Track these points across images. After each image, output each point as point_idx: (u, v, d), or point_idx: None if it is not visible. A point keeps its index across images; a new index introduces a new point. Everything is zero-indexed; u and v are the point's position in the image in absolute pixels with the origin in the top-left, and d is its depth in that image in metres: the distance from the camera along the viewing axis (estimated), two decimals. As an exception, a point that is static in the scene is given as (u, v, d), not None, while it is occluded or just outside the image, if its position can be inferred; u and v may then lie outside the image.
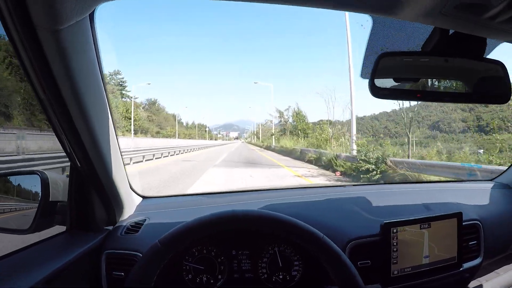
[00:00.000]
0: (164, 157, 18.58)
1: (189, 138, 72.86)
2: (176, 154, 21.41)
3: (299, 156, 17.33)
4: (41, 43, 0.61)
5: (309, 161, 14.38)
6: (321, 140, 18.68)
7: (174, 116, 72.49)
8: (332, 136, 18.29)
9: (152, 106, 68.85)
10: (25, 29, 0.59)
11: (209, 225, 0.75)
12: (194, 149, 30.09)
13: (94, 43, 0.74)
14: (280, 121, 37.22)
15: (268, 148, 34.10)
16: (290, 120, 34.36)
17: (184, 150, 24.69)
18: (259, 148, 39.90)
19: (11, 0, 0.54)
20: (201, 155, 22.20)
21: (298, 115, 32.18)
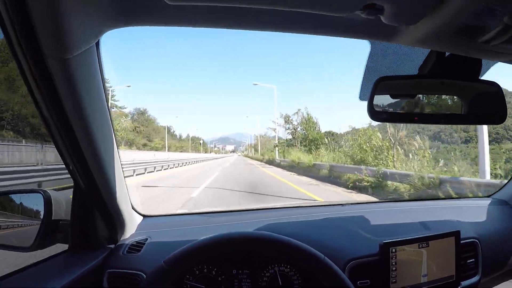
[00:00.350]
0: (148, 172, 16.00)
1: (181, 151, 69.78)
2: (163, 169, 18.72)
3: (328, 176, 11.82)
4: (49, 71, 0.63)
5: (357, 188, 8.76)
6: (369, 150, 11.73)
7: (165, 128, 69.83)
8: (394, 144, 11.15)
9: (140, 116, 65.24)
10: (34, 58, 0.61)
11: (212, 247, 0.76)
12: (182, 163, 25.58)
13: (100, 68, 0.76)
14: (289, 127, 30.84)
15: (270, 162, 28.04)
16: (299, 128, 28.58)
17: (169, 165, 21.09)
18: (259, 162, 33.90)
19: (21, 31, 0.56)
20: (186, 172, 17.65)
21: (309, 122, 26.79)
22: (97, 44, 0.72)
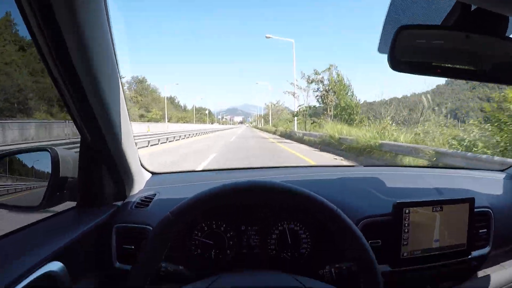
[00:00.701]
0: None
1: (184, 122, 62.03)
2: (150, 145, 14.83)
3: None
4: (53, 11, 0.60)
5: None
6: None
7: (165, 98, 65.22)
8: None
9: (139, 84, 61.04)
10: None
11: (222, 196, 0.74)
12: (175, 138, 20.57)
13: (106, 15, 0.73)
14: (318, 89, 21.74)
15: (288, 136, 21.83)
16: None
17: (150, 141, 15.47)
18: (272, 135, 27.86)
19: None
20: (173, 151, 12.94)
21: (339, 85, 20.27)
22: None
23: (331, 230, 0.73)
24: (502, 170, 1.57)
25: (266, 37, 29.57)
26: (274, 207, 1.01)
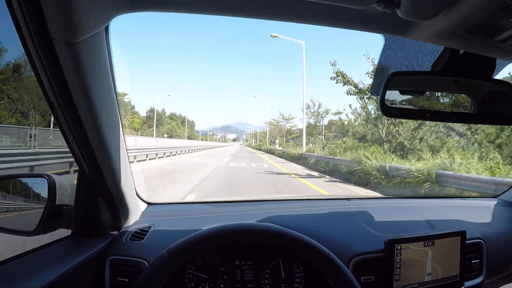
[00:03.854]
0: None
1: (169, 137, 52.70)
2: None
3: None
4: (57, 55, 0.62)
5: None
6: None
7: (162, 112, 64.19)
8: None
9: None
10: (41, 41, 0.59)
11: (216, 238, 0.76)
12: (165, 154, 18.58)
13: (108, 55, 0.75)
14: (363, 97, 13.84)
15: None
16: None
17: None
18: (280, 161, 19.23)
19: (28, 12, 0.55)
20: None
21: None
22: (106, 29, 0.70)
23: (323, 272, 0.74)
24: (494, 197, 1.58)
25: (271, 36, 23.56)
26: (269, 244, 1.01)
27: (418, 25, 0.63)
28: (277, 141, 34.81)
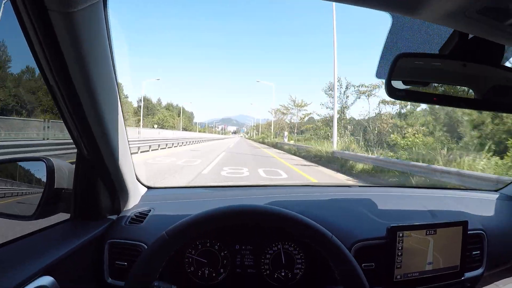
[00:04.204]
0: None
1: (160, 127, 47.96)
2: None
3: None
4: (52, 26, 0.60)
5: None
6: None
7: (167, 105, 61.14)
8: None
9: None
10: (36, 11, 0.57)
11: (217, 219, 0.74)
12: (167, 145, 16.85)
13: (106, 29, 0.73)
14: None
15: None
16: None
17: None
18: (302, 163, 12.15)
19: None
20: None
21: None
22: (105, 2, 0.68)
23: (325, 255, 0.73)
24: (495, 190, 1.57)
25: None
26: (269, 228, 1.01)
27: (428, 4, 0.61)
28: (285, 133, 27.63)
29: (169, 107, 69.03)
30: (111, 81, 0.81)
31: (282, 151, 19.27)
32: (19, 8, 0.58)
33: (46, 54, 0.65)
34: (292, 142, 22.96)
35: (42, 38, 0.62)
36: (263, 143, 33.70)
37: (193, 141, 27.78)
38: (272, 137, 33.18)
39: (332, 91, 16.74)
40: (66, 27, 0.61)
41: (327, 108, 21.52)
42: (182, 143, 22.41)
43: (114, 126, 0.88)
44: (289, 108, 30.14)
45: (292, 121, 31.05)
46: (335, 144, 14.14)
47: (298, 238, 0.99)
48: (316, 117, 23.92)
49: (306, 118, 29.24)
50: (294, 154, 16.72)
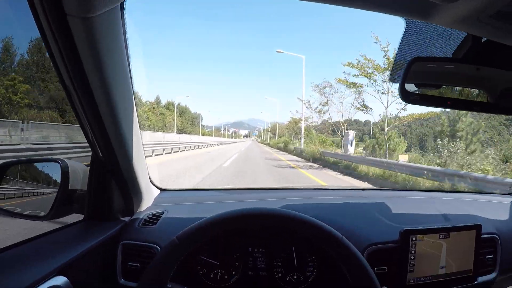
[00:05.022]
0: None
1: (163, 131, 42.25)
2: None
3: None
4: (71, 31, 0.61)
5: None
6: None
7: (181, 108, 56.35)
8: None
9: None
10: (55, 16, 0.59)
11: (228, 222, 0.75)
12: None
13: (123, 33, 0.74)
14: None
15: None
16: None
17: None
18: None
19: None
20: None
21: None
22: (122, 5, 0.69)
23: (336, 256, 0.73)
24: (509, 194, 1.56)
25: (277, 51, 25.17)
26: (281, 230, 1.01)
27: (441, 9, 0.61)
28: (351, 134, 16.10)
29: (169, 106, 60.80)
30: (127, 85, 0.83)
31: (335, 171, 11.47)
32: (37, 12, 0.59)
33: (64, 57, 0.66)
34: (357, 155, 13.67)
35: (60, 42, 0.63)
36: (284, 150, 24.29)
37: (189, 147, 23.26)
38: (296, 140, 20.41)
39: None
40: (85, 32, 0.62)
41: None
42: (172, 149, 18.79)
43: (129, 129, 0.89)
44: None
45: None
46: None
47: (309, 240, 0.99)
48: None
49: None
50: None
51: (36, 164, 1.05)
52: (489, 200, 1.47)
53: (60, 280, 0.74)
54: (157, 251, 0.94)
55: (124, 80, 0.81)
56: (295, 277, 1.01)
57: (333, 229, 0.74)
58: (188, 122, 65.93)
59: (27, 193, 1.03)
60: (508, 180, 5.82)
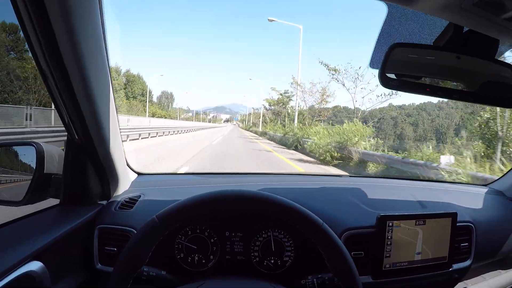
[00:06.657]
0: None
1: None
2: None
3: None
4: (44, 4, 0.59)
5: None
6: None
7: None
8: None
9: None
10: None
11: (209, 203, 0.73)
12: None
13: (99, 8, 0.72)
14: None
15: None
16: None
17: None
18: None
19: None
20: None
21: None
22: None
23: (315, 242, 0.73)
24: (485, 185, 1.60)
25: (268, 20, 20.39)
26: (259, 215, 1.01)
27: None
28: None
29: (129, 77, 46.83)
30: (103, 63, 0.80)
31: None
32: None
33: (37, 34, 0.64)
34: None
35: (34, 18, 0.61)
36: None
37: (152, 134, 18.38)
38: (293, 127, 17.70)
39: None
40: (59, 7, 0.60)
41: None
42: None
43: (105, 110, 0.87)
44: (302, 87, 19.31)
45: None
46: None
47: (288, 224, 0.99)
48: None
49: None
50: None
51: (10, 148, 1.01)
52: (464, 190, 1.50)
53: (36, 265, 0.72)
54: (133, 234, 0.93)
55: (100, 58, 0.78)
56: (272, 261, 1.02)
57: (313, 215, 0.74)
58: (138, 95, 46.68)
59: (0, 178, 1.00)
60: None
